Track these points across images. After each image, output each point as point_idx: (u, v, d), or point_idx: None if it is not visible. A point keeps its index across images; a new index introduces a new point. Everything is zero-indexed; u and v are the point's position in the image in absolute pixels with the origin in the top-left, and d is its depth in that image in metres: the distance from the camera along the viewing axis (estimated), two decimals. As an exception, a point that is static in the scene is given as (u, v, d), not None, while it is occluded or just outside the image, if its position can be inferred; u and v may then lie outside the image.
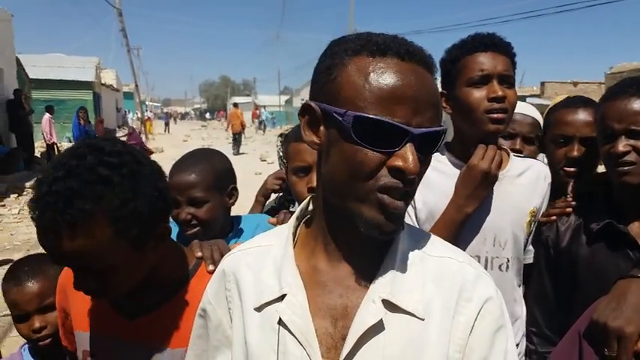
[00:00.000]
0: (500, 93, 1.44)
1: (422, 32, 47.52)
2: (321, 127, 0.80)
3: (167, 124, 38.13)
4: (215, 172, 1.66)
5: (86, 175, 0.91)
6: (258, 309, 0.84)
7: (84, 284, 0.99)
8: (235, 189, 1.73)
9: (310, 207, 0.93)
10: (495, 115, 1.46)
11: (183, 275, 1.16)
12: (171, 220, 1.35)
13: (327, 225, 0.85)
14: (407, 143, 0.73)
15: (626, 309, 1.03)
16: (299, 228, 0.93)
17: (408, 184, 0.76)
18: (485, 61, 1.46)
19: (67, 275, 1.25)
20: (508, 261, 1.55)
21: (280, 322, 0.81)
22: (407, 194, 0.78)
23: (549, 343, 1.56)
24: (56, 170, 0.92)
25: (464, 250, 1.49)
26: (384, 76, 0.74)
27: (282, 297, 0.82)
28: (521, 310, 1.61)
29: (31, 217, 0.93)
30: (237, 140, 19.82)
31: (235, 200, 1.74)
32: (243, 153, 19.47)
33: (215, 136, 31.84)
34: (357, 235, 0.80)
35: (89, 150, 0.95)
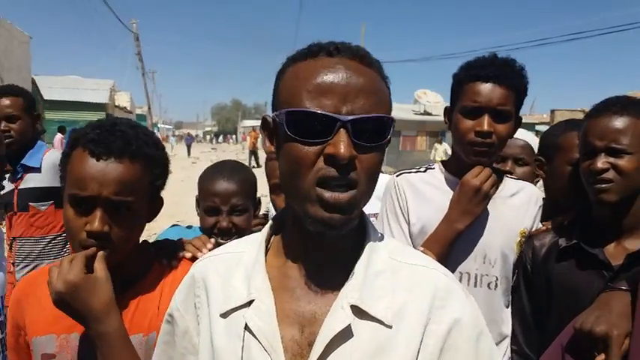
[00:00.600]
0: (486, 128, 1.44)
1: (432, 59, 48.06)
2: (274, 137, 0.84)
3: (189, 147, 34.11)
4: (250, 183, 1.71)
5: (137, 129, 1.18)
6: (225, 315, 0.84)
7: (104, 223, 1.09)
8: (260, 200, 1.76)
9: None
10: (478, 149, 1.47)
11: (144, 267, 1.23)
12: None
13: (297, 232, 0.85)
14: (337, 131, 0.74)
15: (610, 315, 1.04)
16: (273, 236, 0.93)
17: (344, 171, 0.74)
18: (482, 93, 1.45)
19: (23, 286, 1.27)
20: (497, 279, 1.55)
21: (246, 327, 0.80)
22: (349, 184, 0.75)
23: (529, 362, 1.55)
24: (110, 121, 1.16)
25: (454, 266, 1.52)
26: (312, 73, 0.77)
27: (250, 303, 0.82)
28: (509, 330, 1.60)
29: (91, 147, 1.09)
30: (254, 154, 23.38)
31: (259, 212, 1.76)
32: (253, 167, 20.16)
33: (225, 158, 31.99)
34: (325, 241, 0.81)
35: (128, 121, 1.21)
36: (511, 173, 1.85)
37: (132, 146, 1.12)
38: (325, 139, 0.75)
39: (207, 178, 1.67)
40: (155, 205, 1.25)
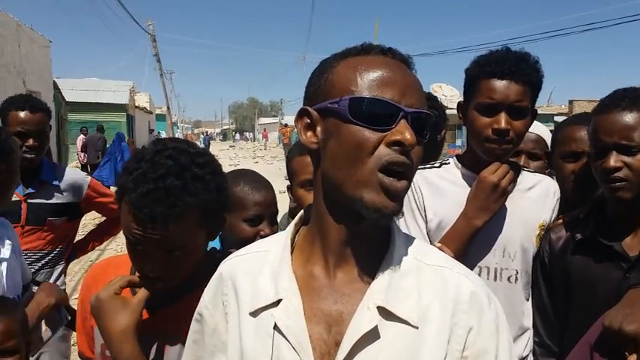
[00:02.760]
0: (503, 126, 1.43)
1: (447, 52, 47.57)
2: (318, 127, 0.84)
3: (207, 146, 33.97)
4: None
5: (186, 173, 1.08)
6: (254, 314, 0.85)
7: (153, 270, 1.10)
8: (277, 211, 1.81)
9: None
10: (494, 146, 1.47)
11: (203, 273, 1.20)
12: None
13: (323, 231, 0.86)
14: (400, 120, 0.78)
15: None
16: (297, 234, 0.94)
17: (409, 157, 0.78)
18: (498, 90, 1.44)
19: (93, 274, 1.33)
20: (517, 273, 1.55)
21: (275, 327, 0.81)
22: (406, 175, 0.79)
23: (550, 354, 1.56)
24: (155, 169, 1.06)
25: (473, 260, 1.52)
26: (371, 67, 0.81)
27: (278, 302, 0.83)
28: (529, 322, 1.60)
29: (135, 212, 1.05)
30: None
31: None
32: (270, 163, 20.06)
33: (242, 156, 32.23)
34: (352, 240, 0.82)
35: (177, 152, 1.11)
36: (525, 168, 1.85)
37: (177, 208, 1.05)
38: (388, 127, 0.78)
39: (243, 186, 1.65)
40: (217, 226, 1.22)
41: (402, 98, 0.79)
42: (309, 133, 0.85)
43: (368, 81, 0.80)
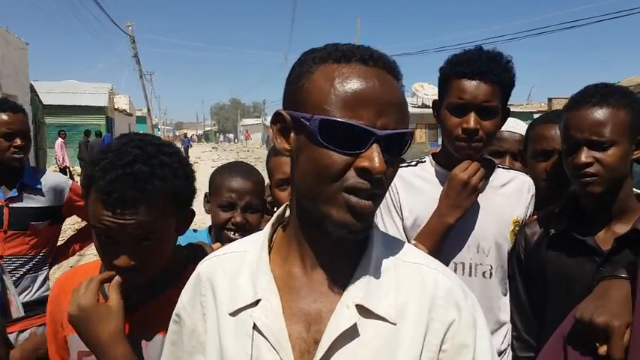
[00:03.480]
0: (472, 126, 1.46)
1: (428, 51, 47.86)
2: (292, 134, 0.82)
3: (186, 150, 31.61)
4: (262, 185, 1.76)
5: (153, 160, 1.09)
6: (233, 314, 0.85)
7: (125, 260, 1.09)
8: (266, 203, 1.80)
9: (287, 214, 0.94)
10: (464, 145, 1.50)
11: (178, 268, 1.23)
12: None
13: (300, 231, 0.86)
14: (372, 144, 0.75)
15: (610, 305, 1.02)
16: (275, 234, 0.94)
17: (375, 184, 0.77)
18: (468, 90, 1.47)
19: (61, 285, 1.30)
20: (491, 268, 1.58)
21: (254, 327, 0.82)
22: (375, 195, 0.78)
23: (528, 348, 1.58)
24: (122, 157, 1.07)
25: (448, 256, 1.55)
26: (348, 81, 0.76)
27: (257, 302, 0.83)
28: (506, 317, 1.63)
29: (104, 198, 1.05)
30: None
31: (264, 213, 1.80)
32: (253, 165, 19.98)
33: (225, 158, 32.04)
34: (329, 240, 0.83)
35: (144, 143, 1.12)
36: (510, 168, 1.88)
37: (146, 192, 1.06)
38: (358, 152, 0.76)
39: (224, 174, 1.72)
40: (185, 218, 1.23)
41: (377, 118, 0.76)
42: (282, 139, 0.85)
43: (342, 99, 0.76)
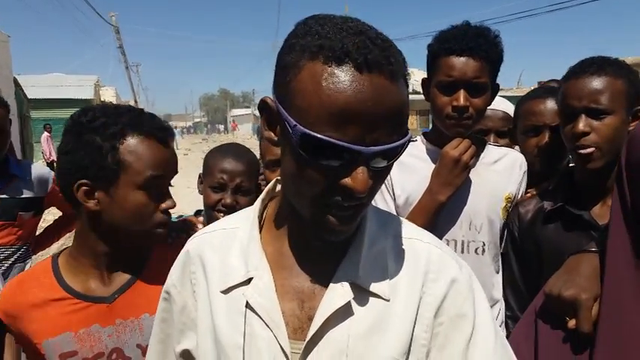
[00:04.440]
0: (462, 103, 1.45)
1: (418, 36, 47.73)
2: (277, 128, 0.78)
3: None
4: (256, 166, 1.75)
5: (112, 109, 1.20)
6: (225, 292, 0.84)
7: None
8: (260, 185, 1.78)
9: (278, 188, 0.92)
10: (455, 122, 1.49)
11: (147, 250, 1.27)
12: None
13: (291, 207, 0.82)
14: (357, 164, 0.69)
15: (579, 278, 1.01)
16: (266, 210, 0.93)
17: (356, 202, 0.73)
18: (456, 67, 1.45)
19: (10, 299, 1.23)
20: (484, 245, 1.58)
21: (247, 305, 0.81)
22: (359, 206, 0.75)
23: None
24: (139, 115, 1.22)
25: (440, 234, 1.53)
26: (336, 91, 0.67)
27: (249, 280, 0.83)
28: (499, 294, 1.63)
29: (160, 137, 1.19)
30: None
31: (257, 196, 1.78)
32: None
33: (215, 149, 31.77)
34: None
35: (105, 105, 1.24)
36: None
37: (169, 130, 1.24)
38: (342, 171, 0.71)
39: (216, 156, 1.72)
40: None
41: (366, 133, 0.68)
42: (269, 129, 0.81)
43: (328, 111, 0.67)
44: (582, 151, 1.38)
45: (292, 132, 0.70)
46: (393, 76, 0.70)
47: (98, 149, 1.13)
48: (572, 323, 0.98)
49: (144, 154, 1.15)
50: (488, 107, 1.90)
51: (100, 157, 1.13)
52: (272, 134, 0.80)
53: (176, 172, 1.25)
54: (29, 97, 17.27)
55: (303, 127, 0.68)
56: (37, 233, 2.84)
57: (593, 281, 1.00)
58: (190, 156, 23.30)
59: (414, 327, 0.80)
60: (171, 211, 1.24)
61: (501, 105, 2.06)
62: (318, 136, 0.67)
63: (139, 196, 1.15)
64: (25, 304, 1.19)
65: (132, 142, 1.15)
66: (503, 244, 1.64)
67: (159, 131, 1.19)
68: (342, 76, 0.67)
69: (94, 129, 1.14)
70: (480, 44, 1.44)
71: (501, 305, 1.63)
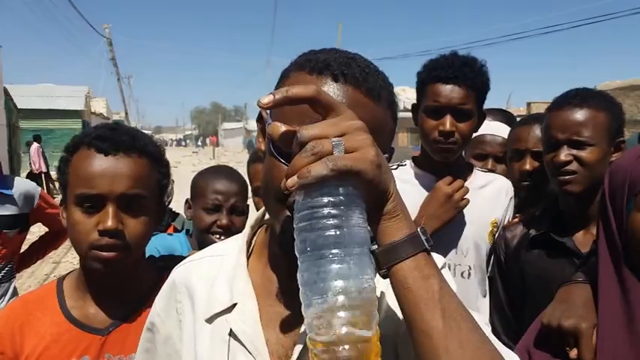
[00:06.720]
0: (448, 128, 1.51)
1: (410, 55, 48.41)
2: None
3: None
4: (246, 188, 1.75)
5: (131, 132, 1.19)
6: (209, 320, 0.83)
7: (117, 222, 1.09)
8: (248, 206, 1.78)
9: (267, 216, 0.91)
10: (442, 147, 1.54)
11: (151, 285, 1.18)
12: None
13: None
14: None
15: (575, 308, 1.03)
16: (255, 237, 0.92)
17: None
18: (443, 94, 1.52)
19: (14, 319, 1.20)
20: (470, 269, 1.61)
21: (231, 332, 0.80)
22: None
23: (508, 350, 1.59)
24: (105, 125, 1.19)
25: None
26: None
27: (233, 307, 0.82)
28: (486, 319, 1.63)
29: (96, 145, 1.10)
30: None
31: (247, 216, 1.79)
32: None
33: (206, 163, 31.76)
34: None
35: (114, 124, 1.22)
36: (492, 171, 1.90)
37: (139, 141, 1.13)
38: None
39: (207, 177, 1.71)
40: (161, 210, 1.24)
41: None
42: (261, 139, 0.83)
43: (298, 111, 0.67)
44: (563, 178, 1.41)
45: (267, 129, 0.70)
46: (371, 94, 0.72)
47: (63, 164, 1.14)
48: (574, 353, 0.99)
49: (79, 168, 1.09)
50: (488, 132, 1.97)
51: (61, 173, 1.14)
52: (262, 144, 0.82)
53: (134, 188, 1.10)
54: (19, 107, 17.14)
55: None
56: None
57: (589, 310, 1.02)
58: (180, 169, 23.08)
59: (396, 343, 0.79)
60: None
61: (500, 131, 2.11)
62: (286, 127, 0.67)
63: (74, 213, 1.09)
64: (26, 324, 1.16)
65: (77, 155, 1.12)
66: (490, 268, 1.67)
67: (101, 141, 1.09)
68: (319, 84, 0.71)
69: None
70: (465, 73, 1.51)
71: (488, 329, 1.64)
